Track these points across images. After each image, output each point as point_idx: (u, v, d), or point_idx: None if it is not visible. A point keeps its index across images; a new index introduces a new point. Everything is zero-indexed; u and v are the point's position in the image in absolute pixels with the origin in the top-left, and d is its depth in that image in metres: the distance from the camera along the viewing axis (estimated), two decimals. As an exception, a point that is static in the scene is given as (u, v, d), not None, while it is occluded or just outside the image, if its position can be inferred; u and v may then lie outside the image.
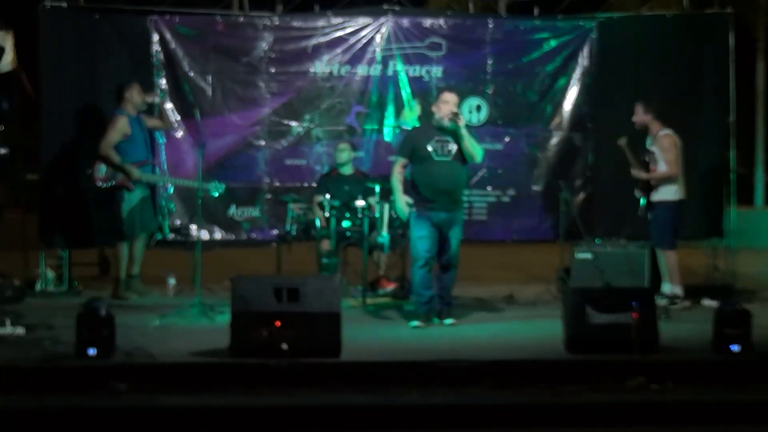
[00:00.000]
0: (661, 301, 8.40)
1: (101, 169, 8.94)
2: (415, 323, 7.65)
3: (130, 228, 9.00)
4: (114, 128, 8.94)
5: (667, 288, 8.67)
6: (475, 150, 7.73)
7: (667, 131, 8.61)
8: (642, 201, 8.72)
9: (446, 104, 7.72)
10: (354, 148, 9.63)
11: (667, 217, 8.62)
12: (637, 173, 8.68)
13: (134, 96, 9.04)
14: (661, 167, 8.57)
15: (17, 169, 10.40)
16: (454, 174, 7.69)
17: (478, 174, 10.13)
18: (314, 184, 9.72)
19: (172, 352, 6.52)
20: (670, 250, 8.67)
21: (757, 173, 18.88)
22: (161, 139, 9.84)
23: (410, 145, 7.85)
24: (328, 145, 9.95)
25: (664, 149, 8.55)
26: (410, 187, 7.85)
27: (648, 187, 8.66)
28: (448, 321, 7.74)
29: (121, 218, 8.95)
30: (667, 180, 8.57)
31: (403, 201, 7.84)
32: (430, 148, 7.66)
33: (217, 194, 9.15)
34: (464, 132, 7.64)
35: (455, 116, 7.62)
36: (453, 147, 7.67)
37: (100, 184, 8.95)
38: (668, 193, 8.60)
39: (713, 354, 6.54)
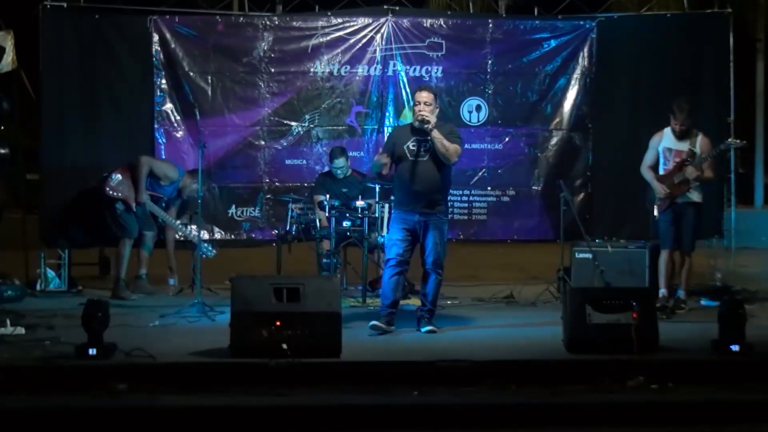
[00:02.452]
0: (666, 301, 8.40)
1: (117, 180, 8.97)
2: (374, 323, 7.30)
3: (130, 227, 9.03)
4: (166, 167, 9.20)
5: (681, 293, 8.58)
6: (449, 152, 7.32)
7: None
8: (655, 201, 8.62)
9: (417, 105, 7.37)
10: (347, 152, 9.45)
11: (699, 219, 8.59)
12: (709, 175, 8.54)
13: (191, 184, 9.09)
14: (694, 170, 8.44)
15: (17, 169, 10.40)
16: (429, 175, 7.35)
17: (478, 174, 10.14)
18: (314, 184, 9.72)
19: (172, 352, 6.52)
20: (692, 253, 8.65)
21: (757, 173, 18.86)
22: (161, 139, 9.85)
23: (392, 143, 7.59)
24: (328, 145, 9.94)
25: (714, 155, 8.56)
26: (394, 187, 7.73)
27: (676, 189, 8.54)
28: (426, 328, 7.37)
29: (116, 219, 9.01)
30: (705, 182, 8.58)
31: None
32: (406, 148, 7.39)
33: (205, 256, 8.83)
34: (435, 134, 7.26)
35: (423, 121, 7.25)
36: (430, 147, 7.34)
37: (108, 190, 8.98)
38: (700, 197, 8.56)
39: (713, 354, 6.54)
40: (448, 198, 9.89)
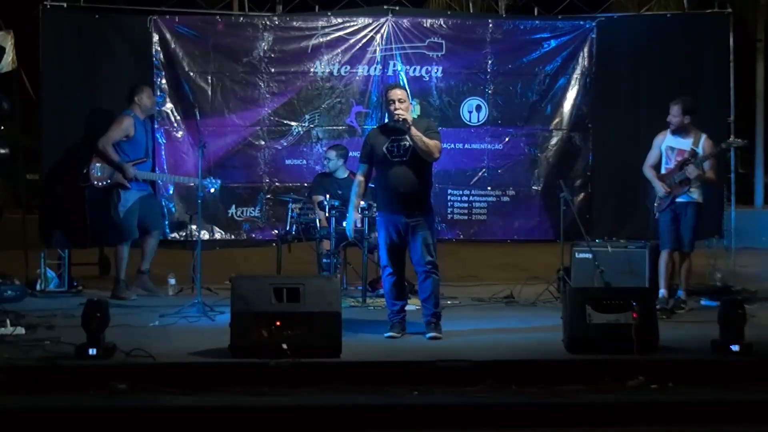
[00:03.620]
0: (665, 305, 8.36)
1: (97, 169, 8.97)
2: (389, 333, 7.18)
3: (128, 228, 9.02)
4: (117, 127, 9.00)
5: (681, 293, 8.54)
6: (430, 147, 7.09)
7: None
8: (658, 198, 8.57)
9: (392, 104, 7.14)
10: (344, 151, 9.50)
11: (697, 219, 8.51)
12: (696, 173, 8.41)
13: (144, 99, 9.10)
14: (695, 169, 8.38)
15: (17, 169, 10.40)
16: (410, 175, 7.13)
17: (478, 174, 10.14)
18: (312, 185, 9.73)
19: (172, 352, 6.52)
20: (692, 252, 8.59)
21: (757, 173, 18.88)
22: (161, 140, 9.85)
23: (368, 148, 7.34)
24: (328, 145, 9.95)
25: (714, 154, 8.48)
26: (376, 190, 7.61)
27: (677, 187, 8.48)
28: (429, 335, 7.16)
29: (118, 219, 8.98)
30: (706, 184, 8.51)
31: (352, 220, 7.45)
32: (385, 150, 7.18)
33: (213, 190, 9.10)
34: (414, 132, 7.04)
35: (400, 120, 7.05)
36: (410, 146, 7.11)
37: (96, 183, 8.98)
38: (701, 196, 8.49)
39: (713, 354, 6.55)
40: (448, 197, 10.06)
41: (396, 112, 7.13)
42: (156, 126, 9.79)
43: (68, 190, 9.41)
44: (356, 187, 7.45)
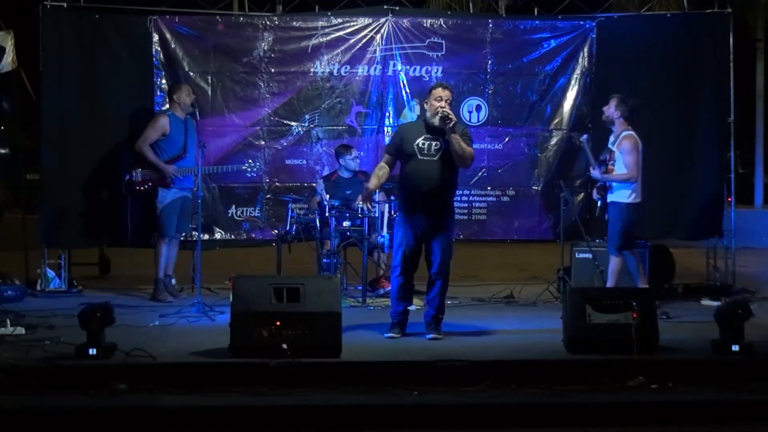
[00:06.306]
0: None
1: (138, 175, 8.95)
2: (389, 334, 7.18)
3: (165, 225, 8.96)
4: (152, 126, 9.00)
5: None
6: (466, 154, 7.05)
7: (631, 132, 8.25)
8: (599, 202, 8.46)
9: (439, 101, 7.06)
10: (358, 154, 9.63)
11: (618, 219, 8.20)
12: (597, 174, 8.30)
13: (183, 97, 9.06)
14: (620, 168, 8.19)
15: (17, 169, 10.40)
16: (438, 176, 7.05)
17: (478, 174, 10.13)
18: (314, 185, 9.74)
19: (172, 352, 6.53)
20: (616, 255, 8.21)
21: (757, 173, 18.85)
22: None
23: (398, 140, 7.26)
24: (328, 145, 9.94)
25: (625, 150, 8.18)
26: (398, 188, 7.59)
27: (605, 187, 8.32)
28: (429, 336, 7.15)
29: (157, 215, 8.96)
30: (624, 182, 8.17)
31: (370, 190, 7.45)
32: (415, 146, 7.08)
33: (250, 174, 9.33)
34: (455, 136, 6.97)
35: (445, 119, 6.97)
36: (441, 147, 7.06)
37: (139, 188, 8.95)
38: (622, 196, 8.20)
39: (713, 354, 6.55)
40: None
41: (444, 109, 7.04)
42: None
43: (68, 190, 9.41)
44: (378, 170, 7.36)
